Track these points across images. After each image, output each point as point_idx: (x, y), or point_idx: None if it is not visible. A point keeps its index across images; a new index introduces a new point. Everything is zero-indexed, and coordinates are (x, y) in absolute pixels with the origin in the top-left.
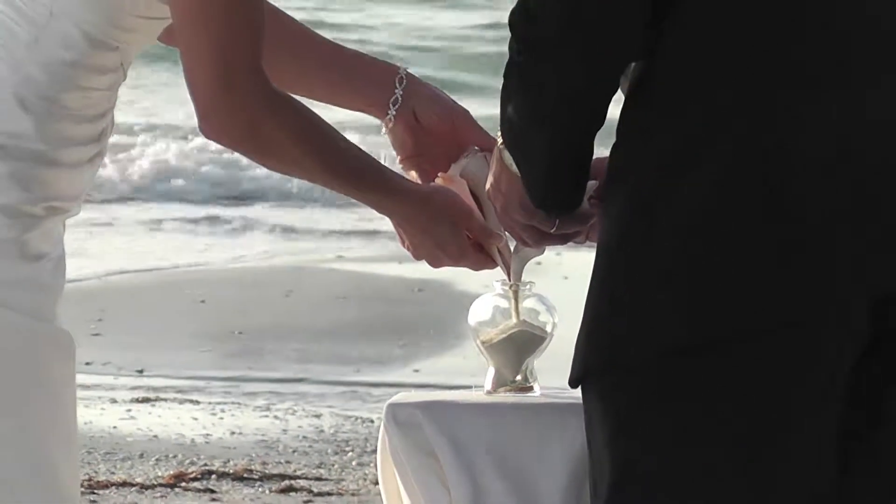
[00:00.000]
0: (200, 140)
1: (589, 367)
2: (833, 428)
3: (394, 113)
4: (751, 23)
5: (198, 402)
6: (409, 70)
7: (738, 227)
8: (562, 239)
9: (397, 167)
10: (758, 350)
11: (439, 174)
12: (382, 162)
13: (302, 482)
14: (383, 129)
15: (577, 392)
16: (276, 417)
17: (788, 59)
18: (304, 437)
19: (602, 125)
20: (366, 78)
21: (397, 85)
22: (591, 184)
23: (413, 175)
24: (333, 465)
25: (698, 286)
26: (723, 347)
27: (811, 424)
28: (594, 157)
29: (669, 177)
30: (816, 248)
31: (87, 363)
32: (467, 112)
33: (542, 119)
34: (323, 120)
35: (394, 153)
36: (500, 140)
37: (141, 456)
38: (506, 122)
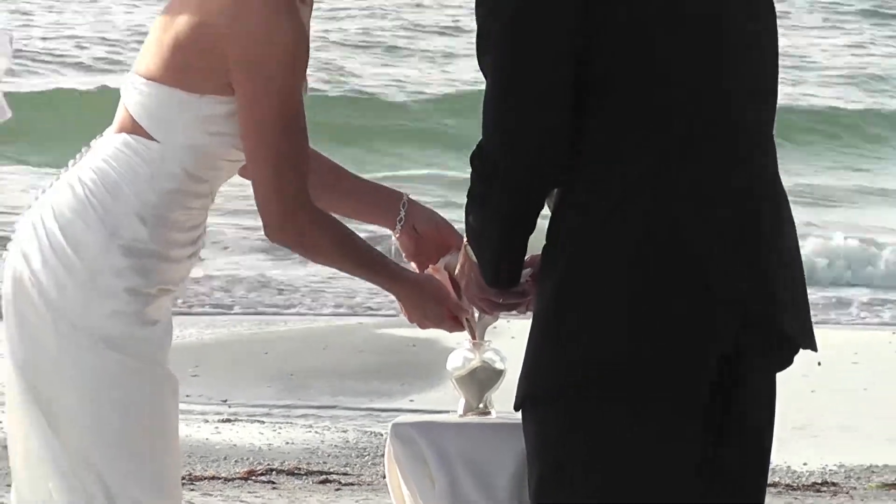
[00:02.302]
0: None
1: (523, 397)
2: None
3: (400, 227)
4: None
5: (263, 422)
6: (409, 196)
7: (634, 299)
8: (507, 308)
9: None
10: (641, 387)
11: (430, 266)
12: (391, 251)
13: (334, 476)
14: (393, 237)
15: (519, 414)
16: (316, 432)
17: (676, 171)
18: (336, 445)
19: (532, 232)
20: (379, 203)
21: (402, 208)
22: (527, 271)
23: (413, 266)
24: (356, 465)
25: (591, 346)
26: (606, 386)
27: (686, 436)
28: (530, 254)
29: (576, 277)
30: (699, 309)
31: (188, 395)
32: (450, 224)
33: (490, 227)
34: (350, 229)
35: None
36: (465, 240)
37: (224, 458)
38: (468, 227)
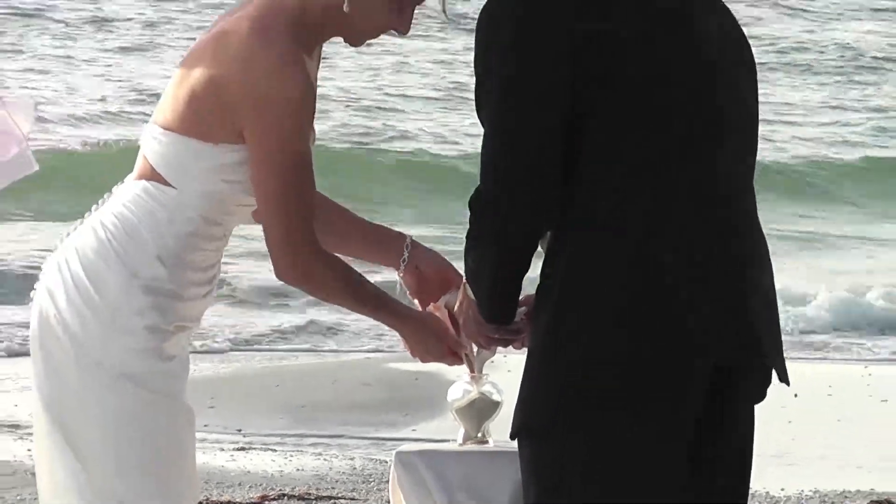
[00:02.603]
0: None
1: (518, 427)
2: (684, 451)
3: (403, 267)
4: (628, 193)
5: (275, 450)
6: (413, 238)
7: (620, 339)
8: (503, 343)
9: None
10: (628, 420)
11: (432, 304)
12: (397, 289)
13: (342, 501)
14: (398, 276)
15: (515, 443)
16: (325, 460)
17: (650, 218)
18: (343, 472)
19: (527, 272)
20: (384, 245)
21: (405, 250)
22: (522, 309)
23: (416, 303)
24: (362, 490)
25: (583, 382)
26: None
27: (670, 450)
28: (525, 294)
29: (567, 318)
30: (677, 346)
31: (205, 425)
32: (451, 264)
33: (487, 267)
34: (355, 270)
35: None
36: (465, 279)
37: (239, 484)
38: (467, 267)
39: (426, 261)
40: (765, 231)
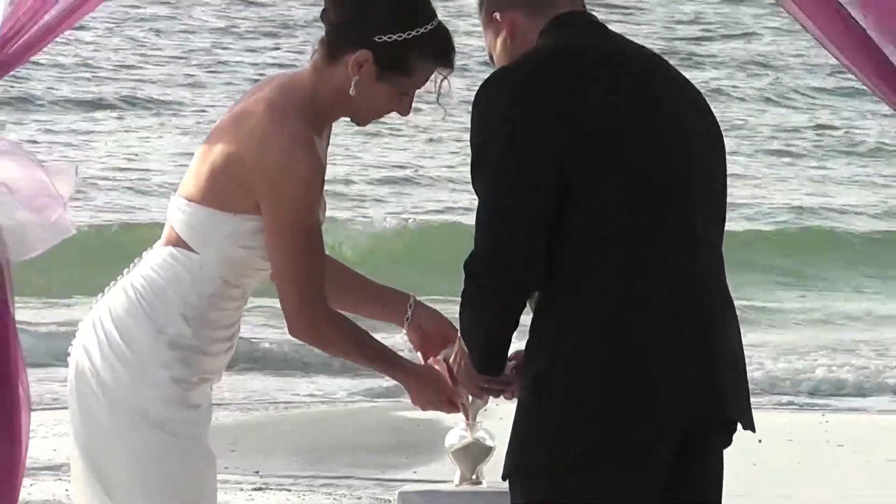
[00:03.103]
0: None
1: (509, 470)
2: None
3: (407, 324)
4: (606, 261)
5: (290, 490)
6: (416, 297)
7: (598, 398)
8: (493, 393)
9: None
10: (612, 460)
11: (431, 357)
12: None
13: None
14: (403, 331)
15: (506, 483)
16: (335, 499)
17: (626, 288)
18: None
19: (516, 329)
20: (389, 304)
21: (409, 309)
22: (512, 363)
23: (419, 355)
24: None
25: (566, 434)
26: (582, 468)
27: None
28: (515, 349)
29: (553, 373)
30: (650, 408)
31: (226, 468)
32: (450, 322)
33: (479, 324)
34: (360, 327)
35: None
36: (459, 334)
37: None
38: (461, 323)
39: (427, 319)
40: None
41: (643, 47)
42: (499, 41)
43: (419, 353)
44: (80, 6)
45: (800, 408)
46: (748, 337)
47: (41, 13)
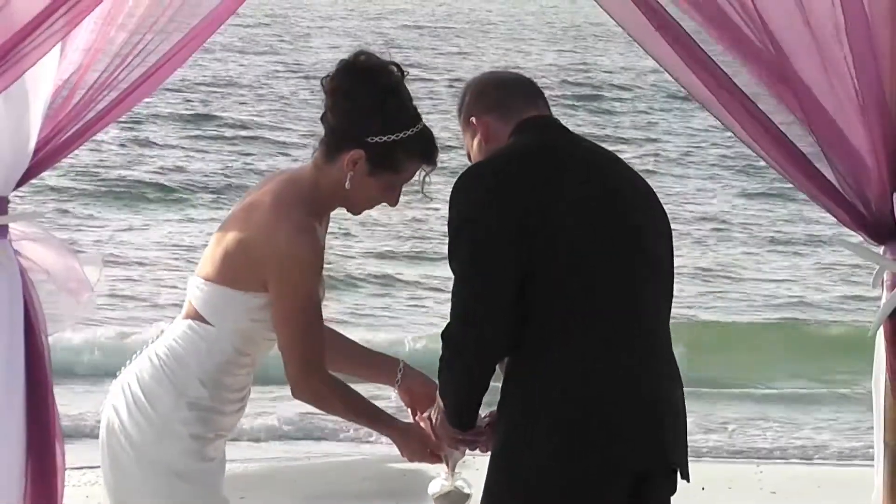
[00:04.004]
0: None
1: None
2: None
3: (397, 387)
4: (569, 335)
5: None
6: (405, 362)
7: (558, 450)
8: (467, 444)
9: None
10: None
11: (419, 414)
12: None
13: None
14: (394, 391)
15: None
16: None
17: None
18: None
19: (486, 391)
20: (382, 370)
21: (398, 373)
22: (485, 419)
23: (409, 412)
24: None
25: (532, 481)
26: None
27: None
28: (489, 409)
29: (521, 429)
30: (601, 451)
31: None
32: (435, 383)
33: (453, 386)
34: (355, 390)
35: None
36: (438, 393)
37: None
38: (440, 384)
39: (415, 382)
40: None
41: (602, 146)
42: (475, 142)
43: (409, 410)
44: (119, 104)
45: (737, 459)
46: None
47: (84, 112)
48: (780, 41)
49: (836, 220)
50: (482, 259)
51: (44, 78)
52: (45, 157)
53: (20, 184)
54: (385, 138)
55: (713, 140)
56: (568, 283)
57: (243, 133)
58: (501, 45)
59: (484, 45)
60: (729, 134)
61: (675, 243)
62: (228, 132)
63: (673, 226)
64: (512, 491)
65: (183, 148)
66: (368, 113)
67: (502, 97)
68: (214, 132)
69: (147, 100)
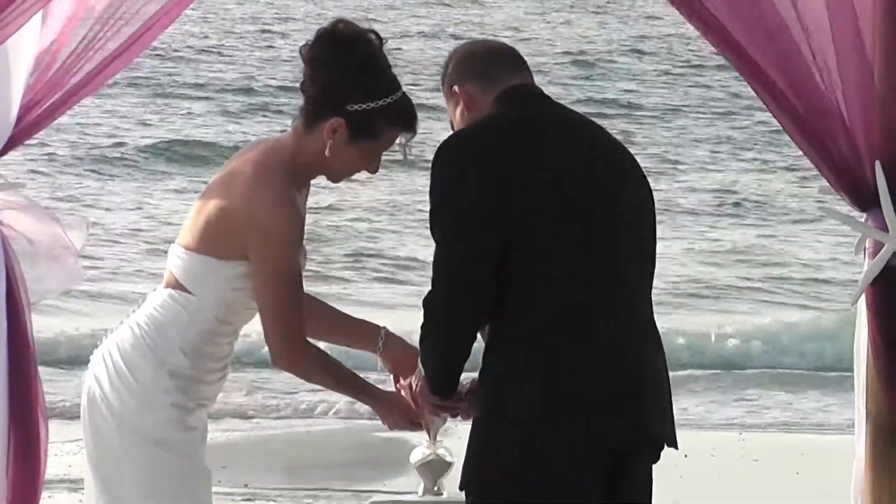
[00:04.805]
0: None
1: (466, 482)
2: None
3: (380, 353)
4: (546, 303)
5: (275, 500)
6: (387, 329)
7: (539, 419)
8: (447, 411)
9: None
10: (548, 477)
11: (401, 381)
12: (378, 366)
13: None
14: (377, 358)
15: (463, 494)
16: None
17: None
18: None
19: (467, 359)
20: (364, 336)
21: (380, 340)
22: (465, 385)
23: (391, 378)
24: None
25: (512, 449)
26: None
27: None
28: (471, 378)
29: (502, 398)
30: (580, 423)
31: (219, 481)
32: (417, 350)
33: (433, 353)
34: (335, 359)
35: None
36: (419, 360)
37: None
38: (421, 351)
39: (397, 348)
40: None
41: (584, 115)
42: (457, 111)
43: (391, 376)
44: (102, 71)
45: (720, 427)
46: None
47: (65, 80)
48: None
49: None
50: (463, 226)
51: (26, 46)
52: (26, 126)
53: (2, 153)
54: (365, 106)
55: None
56: (549, 251)
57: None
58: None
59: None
60: None
61: None
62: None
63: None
64: (492, 459)
65: None
66: (348, 81)
67: (485, 66)
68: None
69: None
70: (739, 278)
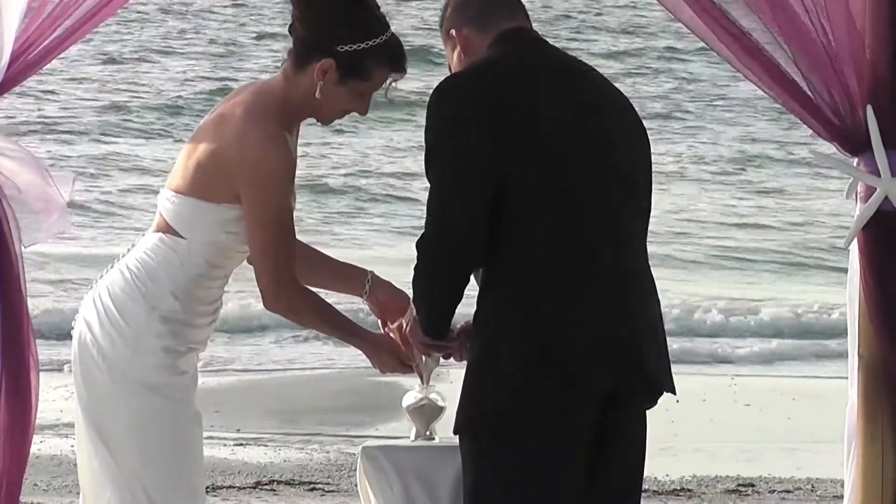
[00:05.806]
0: None
1: (459, 425)
2: (581, 466)
3: (366, 297)
4: (544, 258)
5: (267, 445)
6: (374, 272)
7: (534, 361)
8: (438, 350)
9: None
10: (540, 422)
11: (388, 325)
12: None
13: (319, 486)
14: (364, 303)
15: (457, 438)
16: (306, 453)
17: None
18: (321, 462)
19: (460, 300)
20: (350, 280)
21: (367, 283)
22: (459, 326)
23: (379, 322)
24: (336, 477)
25: (506, 392)
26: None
27: (569, 466)
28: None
29: (496, 335)
30: (572, 368)
31: (211, 426)
32: (404, 293)
33: (426, 293)
34: (327, 302)
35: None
36: (411, 301)
37: (238, 472)
38: (413, 291)
39: (384, 292)
40: None
41: (579, 59)
42: (455, 54)
43: (379, 321)
44: (97, 13)
45: (712, 374)
46: None
47: (60, 20)
48: None
49: (811, 131)
50: (458, 168)
51: None
52: (18, 69)
53: None
54: (354, 46)
55: None
56: (545, 195)
57: None
58: None
59: None
60: None
61: None
62: None
63: None
64: (486, 404)
65: None
66: (337, 22)
67: (482, 10)
68: None
69: None
70: None
